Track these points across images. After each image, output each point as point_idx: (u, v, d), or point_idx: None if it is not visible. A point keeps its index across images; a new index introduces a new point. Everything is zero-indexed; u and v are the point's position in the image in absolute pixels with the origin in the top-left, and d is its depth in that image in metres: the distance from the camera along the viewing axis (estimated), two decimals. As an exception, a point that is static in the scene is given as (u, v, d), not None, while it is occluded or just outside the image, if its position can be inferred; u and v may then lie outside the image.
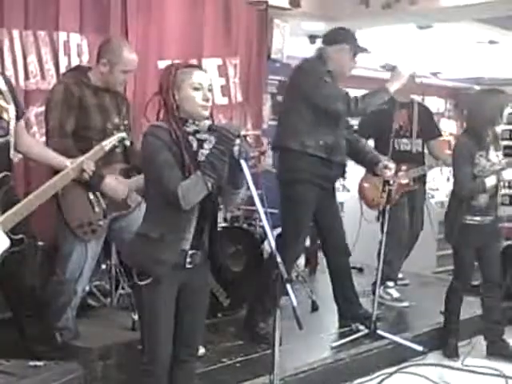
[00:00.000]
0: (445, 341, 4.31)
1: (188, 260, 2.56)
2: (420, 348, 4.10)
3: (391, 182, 4.10)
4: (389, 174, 4.01)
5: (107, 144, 3.37)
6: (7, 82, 3.25)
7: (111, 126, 3.64)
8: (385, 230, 4.27)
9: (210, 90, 2.58)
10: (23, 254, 3.14)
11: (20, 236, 3.08)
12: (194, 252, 2.57)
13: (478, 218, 4.06)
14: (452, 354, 4.26)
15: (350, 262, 4.35)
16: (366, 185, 5.18)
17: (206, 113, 2.55)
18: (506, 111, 4.16)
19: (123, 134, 3.51)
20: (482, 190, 3.99)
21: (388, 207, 4.27)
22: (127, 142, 3.63)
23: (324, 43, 4.10)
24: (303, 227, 4.15)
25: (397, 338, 4.14)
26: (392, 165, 4.04)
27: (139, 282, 2.53)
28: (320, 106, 3.91)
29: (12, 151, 3.17)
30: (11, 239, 3.01)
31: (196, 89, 2.53)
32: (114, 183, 3.56)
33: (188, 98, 2.52)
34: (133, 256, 2.64)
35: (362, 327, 4.21)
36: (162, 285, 2.53)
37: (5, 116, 3.09)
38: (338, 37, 4.04)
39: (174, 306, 2.60)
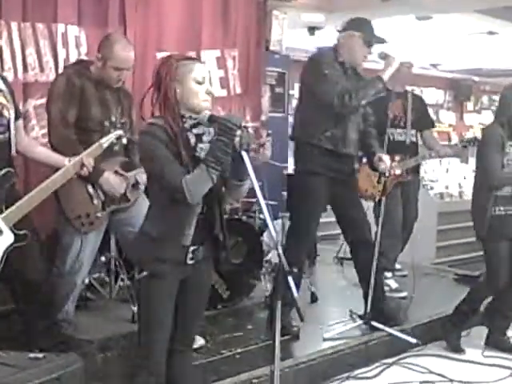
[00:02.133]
0: (448, 333, 4.30)
1: (190, 256, 2.55)
2: (414, 340, 4.08)
3: (387, 174, 4.10)
4: (383, 166, 4.02)
5: (105, 142, 3.36)
6: (6, 82, 3.26)
7: (108, 124, 3.63)
8: (380, 221, 4.26)
9: (211, 84, 2.55)
10: (27, 248, 3.14)
11: (23, 231, 3.09)
12: (195, 248, 2.56)
13: (508, 208, 3.98)
14: (457, 347, 4.25)
15: (372, 254, 4.21)
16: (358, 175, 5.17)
17: (209, 106, 2.51)
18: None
19: (120, 132, 3.51)
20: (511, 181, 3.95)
21: (384, 199, 4.28)
22: (124, 140, 3.65)
23: (339, 31, 4.12)
24: (311, 218, 4.13)
25: (391, 330, 4.12)
26: (386, 157, 4.04)
27: (138, 275, 2.54)
28: (319, 101, 3.94)
29: (13, 148, 3.17)
30: (15, 234, 3.02)
31: (199, 83, 2.48)
32: (112, 178, 3.57)
33: (191, 93, 2.47)
34: (136, 254, 2.65)
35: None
36: (164, 281, 2.52)
37: (5, 113, 3.11)
38: (350, 24, 4.07)
39: (173, 300, 2.60)
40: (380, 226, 4.27)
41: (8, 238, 3.01)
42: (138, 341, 2.65)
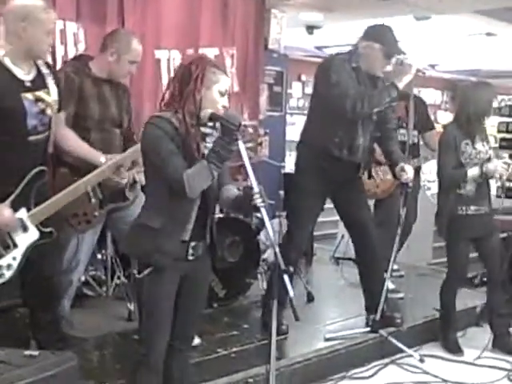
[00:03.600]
0: (443, 335, 4.32)
1: (190, 252, 2.57)
2: (417, 356, 4.07)
3: (410, 185, 4.05)
4: (405, 176, 3.97)
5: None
6: (54, 73, 3.20)
7: (107, 122, 3.62)
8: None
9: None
10: (48, 246, 3.13)
11: (50, 229, 3.08)
12: (195, 243, 2.57)
13: (471, 208, 4.06)
14: (455, 349, 4.25)
15: (375, 256, 4.20)
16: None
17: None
18: (495, 104, 4.16)
19: None
20: (463, 179, 4.00)
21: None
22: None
23: (360, 37, 4.01)
24: (303, 215, 4.10)
25: (399, 344, 4.09)
26: (409, 167, 3.97)
27: (138, 275, 2.53)
28: (330, 106, 3.89)
29: (50, 146, 3.16)
30: (41, 232, 3.03)
31: (222, 94, 2.54)
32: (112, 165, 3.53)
33: (212, 101, 2.52)
34: (133, 245, 2.64)
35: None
36: (164, 275, 2.53)
37: (48, 111, 3.07)
38: (371, 33, 3.95)
39: (174, 297, 2.60)
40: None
41: (33, 235, 3.03)
42: (139, 337, 2.65)
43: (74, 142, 3.38)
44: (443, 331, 4.33)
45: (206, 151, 2.51)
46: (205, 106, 2.51)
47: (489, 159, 4.06)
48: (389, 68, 3.95)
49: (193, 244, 2.56)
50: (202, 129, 2.55)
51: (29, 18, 2.92)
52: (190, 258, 2.57)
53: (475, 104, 4.02)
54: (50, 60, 4.32)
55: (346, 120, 3.88)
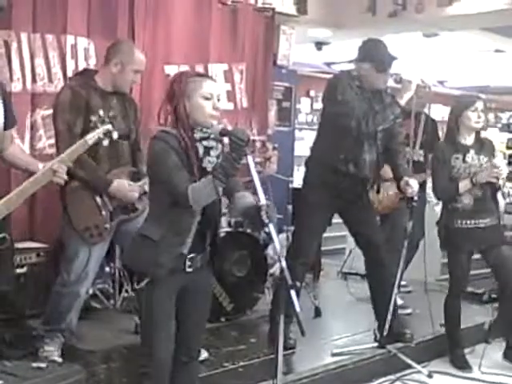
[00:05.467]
0: (450, 351, 4.29)
1: (188, 264, 2.58)
2: (426, 372, 4.04)
3: (415, 199, 4.05)
4: (410, 190, 3.98)
5: (91, 138, 3.03)
6: (1, 88, 3.06)
7: (117, 136, 3.64)
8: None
9: (219, 100, 2.61)
10: (3, 253, 3.07)
11: (2, 234, 3.02)
12: (193, 256, 2.59)
13: (468, 221, 4.07)
14: (463, 365, 4.22)
15: (385, 274, 4.17)
16: None
17: (215, 122, 2.57)
18: (504, 120, 4.17)
19: (108, 126, 3.32)
20: (455, 192, 4.03)
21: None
22: (115, 135, 3.58)
23: (354, 59, 4.03)
24: (310, 230, 4.10)
25: (407, 359, 4.06)
26: (413, 181, 3.97)
27: (137, 286, 2.55)
28: (336, 124, 3.91)
29: None
30: None
31: (206, 98, 2.57)
32: (123, 186, 3.56)
33: (198, 108, 2.55)
34: (132, 257, 2.67)
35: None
36: (160, 287, 2.54)
37: None
38: (361, 53, 3.97)
39: (173, 309, 2.60)
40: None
41: None
42: (142, 350, 2.65)
43: (20, 158, 3.17)
44: (450, 347, 4.30)
45: (209, 165, 2.53)
46: (194, 115, 2.54)
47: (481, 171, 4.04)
48: (385, 78, 3.95)
49: (191, 256, 2.58)
50: (205, 142, 2.56)
51: None
52: (188, 270, 2.58)
53: (456, 117, 4.14)
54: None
55: (351, 137, 3.91)
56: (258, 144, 2.35)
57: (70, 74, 4.38)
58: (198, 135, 2.55)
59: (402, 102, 3.90)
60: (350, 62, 4.08)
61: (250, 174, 2.46)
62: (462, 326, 4.44)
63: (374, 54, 3.93)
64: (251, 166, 2.46)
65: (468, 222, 4.08)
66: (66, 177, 2.90)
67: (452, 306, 4.24)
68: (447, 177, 4.07)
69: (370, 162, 4.03)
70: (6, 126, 3.04)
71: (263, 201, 2.44)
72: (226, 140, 2.56)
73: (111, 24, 4.63)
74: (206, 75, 2.74)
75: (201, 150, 2.55)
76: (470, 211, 4.06)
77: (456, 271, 4.18)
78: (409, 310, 4.94)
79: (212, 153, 2.57)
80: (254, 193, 2.49)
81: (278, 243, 2.48)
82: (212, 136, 2.56)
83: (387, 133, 4.03)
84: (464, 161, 4.06)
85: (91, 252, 3.61)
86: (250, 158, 2.46)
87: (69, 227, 3.58)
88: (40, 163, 3.08)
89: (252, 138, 2.53)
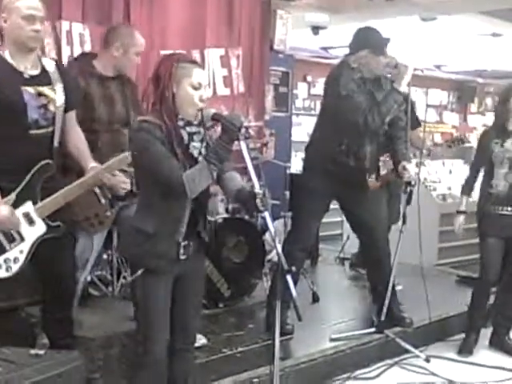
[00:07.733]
0: (466, 333, 4.29)
1: (181, 251, 2.57)
2: (423, 356, 4.06)
3: (412, 183, 4.05)
4: (407, 175, 3.98)
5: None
6: (61, 69, 3.16)
7: (115, 122, 3.62)
8: None
9: (210, 86, 2.58)
10: (60, 240, 3.13)
11: (57, 223, 3.08)
12: (186, 243, 2.58)
13: (501, 208, 4.07)
14: (465, 349, 4.24)
15: (382, 259, 4.21)
16: None
17: (199, 113, 2.53)
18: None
19: None
20: (467, 189, 4.20)
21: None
22: None
23: (349, 52, 4.02)
24: (308, 215, 4.11)
25: (405, 344, 4.09)
26: (411, 166, 3.99)
27: (132, 276, 2.56)
28: (341, 118, 3.90)
29: (56, 141, 3.11)
30: (49, 226, 3.03)
31: (195, 88, 2.52)
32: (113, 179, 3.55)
33: (186, 96, 2.51)
34: (129, 249, 2.67)
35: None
36: (158, 277, 2.55)
37: (51, 107, 3.03)
38: (356, 43, 3.97)
39: (169, 297, 2.61)
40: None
41: (40, 228, 3.01)
42: (138, 340, 2.65)
43: (78, 147, 3.27)
44: (466, 329, 4.31)
45: (195, 150, 2.51)
46: (180, 102, 2.50)
47: None
48: (385, 61, 3.93)
49: (184, 244, 2.57)
50: (188, 128, 2.53)
51: (6, 8, 2.96)
52: (182, 257, 2.58)
53: (506, 105, 4.09)
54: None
55: (355, 131, 3.90)
56: (251, 131, 2.33)
57: (65, 60, 4.35)
58: (180, 122, 2.52)
59: (402, 88, 3.88)
60: (349, 52, 4.05)
61: (243, 160, 2.45)
62: (460, 311, 4.48)
63: (368, 39, 3.94)
64: (244, 151, 2.45)
65: (501, 208, 4.08)
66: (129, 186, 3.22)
67: (477, 292, 4.25)
68: (481, 162, 4.19)
69: (371, 153, 4.04)
70: (67, 108, 3.08)
71: (257, 188, 2.43)
72: (209, 124, 2.54)
73: (106, 9, 4.59)
74: (195, 62, 2.67)
75: (185, 137, 2.52)
76: (504, 197, 4.07)
77: (485, 256, 4.16)
78: (400, 287, 4.84)
79: (195, 137, 2.54)
80: (249, 179, 2.48)
81: (274, 230, 2.47)
82: (194, 122, 2.53)
83: (391, 122, 4.03)
84: (502, 145, 4.08)
85: (91, 239, 3.61)
86: (243, 143, 2.45)
87: (68, 218, 3.57)
88: (92, 161, 3.12)
89: (247, 124, 2.49)
